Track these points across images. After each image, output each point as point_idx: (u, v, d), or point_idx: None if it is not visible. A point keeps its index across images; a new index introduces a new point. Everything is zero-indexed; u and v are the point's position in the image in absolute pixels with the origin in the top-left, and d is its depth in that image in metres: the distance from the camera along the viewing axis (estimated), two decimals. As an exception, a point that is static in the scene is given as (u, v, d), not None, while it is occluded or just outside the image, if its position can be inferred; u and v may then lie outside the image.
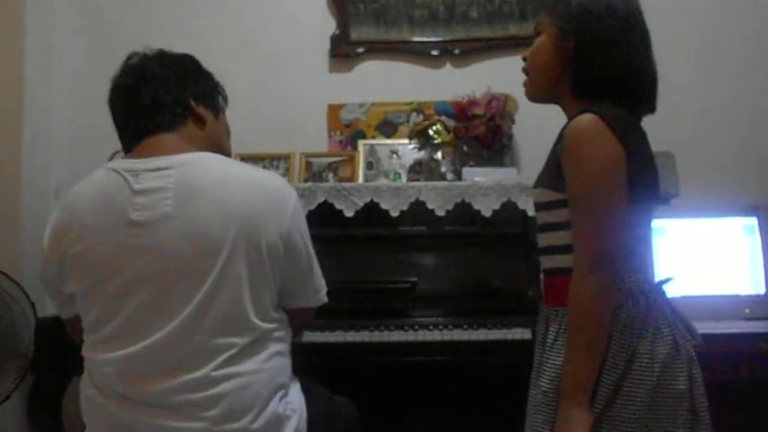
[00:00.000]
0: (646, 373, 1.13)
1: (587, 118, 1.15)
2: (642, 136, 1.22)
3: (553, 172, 1.20)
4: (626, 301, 1.15)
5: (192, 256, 1.19)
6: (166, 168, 1.22)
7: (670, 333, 1.16)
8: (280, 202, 1.28)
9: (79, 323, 1.28)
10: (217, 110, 1.41)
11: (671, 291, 1.25)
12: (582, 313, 1.12)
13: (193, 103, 1.33)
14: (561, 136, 1.20)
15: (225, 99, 1.45)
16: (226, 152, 1.40)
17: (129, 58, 1.37)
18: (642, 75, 1.21)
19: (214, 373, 1.18)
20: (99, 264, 1.21)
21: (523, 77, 1.33)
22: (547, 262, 1.26)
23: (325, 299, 1.41)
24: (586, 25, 1.20)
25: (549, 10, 1.27)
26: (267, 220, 1.24)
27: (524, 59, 1.31)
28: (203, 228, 1.19)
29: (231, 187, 1.23)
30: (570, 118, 1.23)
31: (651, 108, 1.25)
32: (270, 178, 1.33)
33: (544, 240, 1.26)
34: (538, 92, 1.30)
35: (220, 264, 1.19)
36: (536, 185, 1.28)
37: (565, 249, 1.19)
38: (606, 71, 1.19)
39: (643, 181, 1.18)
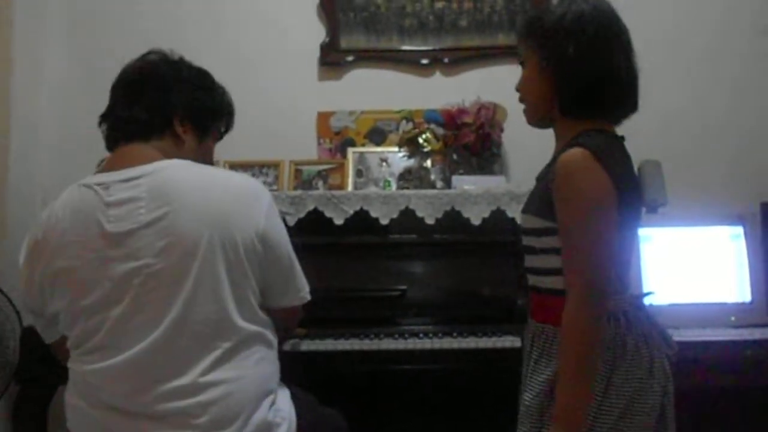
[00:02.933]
0: (624, 390, 1.17)
1: (576, 153, 1.18)
2: (625, 159, 1.26)
3: (544, 201, 1.23)
4: (608, 323, 1.19)
5: (169, 263, 1.19)
6: (136, 177, 1.23)
7: (647, 351, 1.20)
8: (253, 201, 1.28)
9: (64, 345, 1.28)
10: (204, 134, 1.39)
11: (656, 301, 1.29)
12: (576, 342, 1.15)
13: (175, 121, 1.32)
14: (550, 169, 1.24)
15: (226, 129, 1.44)
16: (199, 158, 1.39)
17: (147, 53, 1.38)
18: (623, 80, 1.23)
19: (201, 379, 1.18)
20: (78, 279, 1.21)
21: (513, 86, 1.35)
22: (534, 281, 1.29)
23: (308, 297, 1.41)
24: (563, 42, 1.22)
25: (525, 37, 1.30)
26: (241, 220, 1.24)
27: (517, 90, 1.34)
28: (178, 234, 1.19)
29: (203, 191, 1.24)
30: (559, 140, 1.27)
31: (633, 108, 1.28)
32: (241, 180, 1.35)
33: (530, 261, 1.29)
34: (537, 121, 1.33)
35: (196, 268, 1.19)
36: (525, 211, 1.31)
37: (552, 272, 1.23)
38: (589, 87, 1.21)
39: (629, 206, 1.21)
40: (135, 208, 1.20)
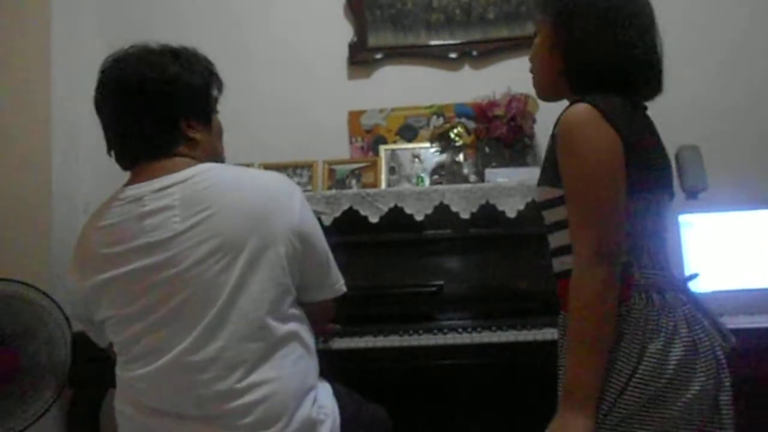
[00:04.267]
0: (655, 375, 1.07)
1: (578, 107, 1.12)
2: (643, 123, 1.18)
3: (551, 168, 1.16)
4: (638, 298, 1.10)
5: (207, 268, 1.20)
6: (168, 186, 1.24)
7: (688, 334, 1.09)
8: (286, 198, 1.29)
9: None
10: (209, 119, 1.36)
11: (701, 287, 1.20)
12: (582, 310, 1.06)
13: (183, 126, 1.30)
14: (554, 129, 1.17)
15: (219, 89, 1.38)
16: (220, 156, 1.40)
17: (122, 57, 1.30)
18: (638, 60, 1.16)
19: (239, 385, 1.19)
20: (119, 290, 1.24)
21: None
22: (557, 265, 1.21)
23: (344, 289, 1.42)
24: (574, 16, 1.18)
25: (541, 9, 1.27)
26: (278, 218, 1.25)
27: (530, 60, 1.31)
28: (217, 238, 1.20)
29: (237, 192, 1.24)
30: None
31: (655, 91, 1.21)
32: (271, 177, 1.34)
33: (552, 241, 1.21)
34: (543, 91, 1.29)
35: (237, 271, 1.20)
36: (538, 183, 1.24)
37: (568, 249, 1.14)
38: (598, 60, 1.16)
39: (646, 168, 1.13)
40: (169, 217, 1.22)
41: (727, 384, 1.12)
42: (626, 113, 1.13)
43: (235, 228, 1.21)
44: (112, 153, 1.33)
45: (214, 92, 1.37)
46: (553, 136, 1.17)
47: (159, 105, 1.28)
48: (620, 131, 1.09)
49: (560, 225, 1.16)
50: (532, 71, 1.30)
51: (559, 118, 1.16)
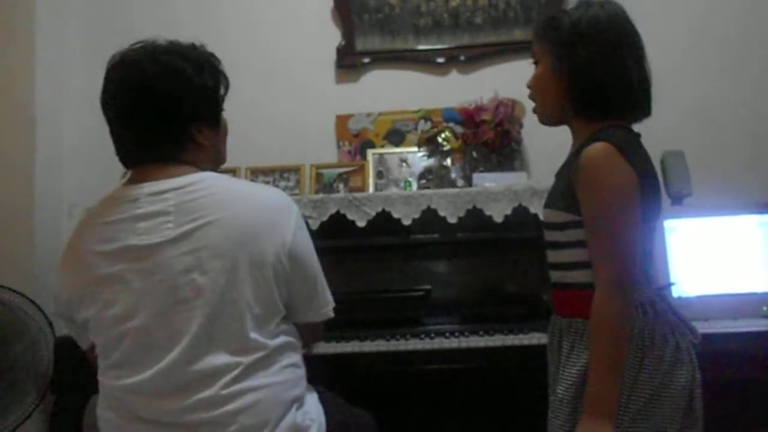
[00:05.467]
0: (654, 375, 1.21)
1: (600, 147, 1.21)
2: (645, 154, 1.27)
3: (567, 195, 1.25)
4: (637, 312, 1.22)
5: (194, 277, 1.18)
6: (165, 191, 1.22)
7: (674, 340, 1.23)
8: (281, 217, 1.27)
9: (95, 351, 1.30)
10: (219, 120, 1.35)
11: (685, 292, 1.29)
12: (607, 332, 1.18)
13: (193, 130, 1.28)
14: (573, 161, 1.26)
15: (226, 87, 1.35)
16: (222, 157, 1.38)
17: (132, 57, 1.26)
18: (635, 85, 1.26)
19: (224, 392, 1.18)
20: (105, 290, 1.22)
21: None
22: (558, 277, 1.31)
23: (331, 315, 1.38)
24: (577, 46, 1.26)
25: (540, 37, 1.33)
26: (269, 237, 1.23)
27: (528, 87, 1.37)
28: (204, 251, 1.19)
29: (231, 207, 1.22)
30: (576, 137, 1.31)
31: (646, 112, 1.31)
32: (270, 194, 1.32)
33: (554, 257, 1.32)
34: (548, 117, 1.36)
35: (221, 285, 1.19)
36: (547, 206, 1.34)
37: (576, 266, 1.26)
38: (600, 85, 1.25)
39: (651, 200, 1.24)
40: (162, 222, 1.20)
41: (699, 379, 1.25)
42: (636, 147, 1.25)
43: (225, 242, 1.20)
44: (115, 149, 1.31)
45: (222, 91, 1.34)
46: (570, 166, 1.26)
47: (170, 111, 1.25)
48: (635, 166, 1.20)
49: (567, 245, 1.27)
50: (532, 98, 1.38)
51: (577, 152, 1.25)
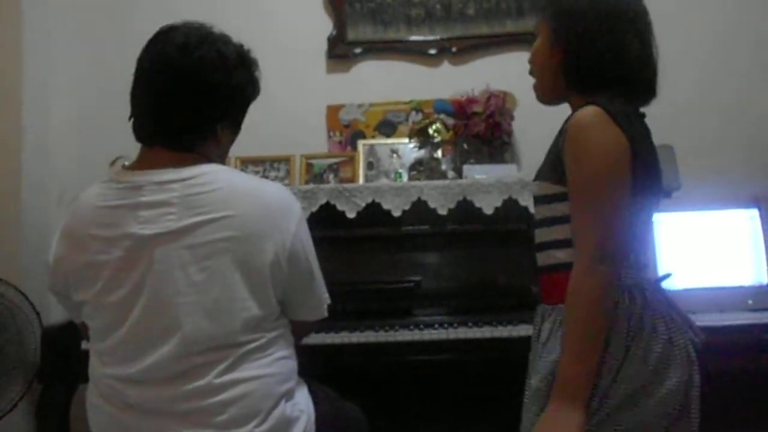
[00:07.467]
0: (638, 372, 1.11)
1: (590, 110, 1.14)
2: (645, 129, 1.21)
3: (554, 165, 1.19)
4: (623, 298, 1.13)
5: (192, 272, 1.18)
6: (171, 182, 1.21)
7: (665, 331, 1.14)
8: (283, 219, 1.26)
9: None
10: (239, 126, 1.37)
11: (672, 285, 1.25)
12: (582, 308, 1.09)
13: (219, 127, 1.29)
14: (563, 129, 1.20)
15: (255, 97, 1.38)
16: (227, 150, 1.39)
17: (185, 43, 1.25)
18: (636, 63, 1.20)
19: (216, 381, 1.18)
20: (102, 276, 1.21)
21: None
22: (544, 258, 1.23)
23: (325, 314, 1.39)
24: (573, 19, 1.20)
25: (541, 11, 1.29)
26: (271, 239, 1.23)
27: (529, 63, 1.32)
28: (204, 245, 1.19)
29: (235, 205, 1.21)
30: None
31: (651, 95, 1.24)
32: (274, 193, 1.30)
33: (541, 235, 1.24)
34: (545, 94, 1.30)
35: (218, 282, 1.18)
36: (536, 178, 1.27)
37: (563, 243, 1.17)
38: (597, 57, 1.18)
39: (645, 174, 1.16)
40: (165, 213, 1.19)
41: (697, 380, 1.16)
42: (632, 117, 1.17)
43: (226, 241, 1.19)
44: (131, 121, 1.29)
45: (253, 99, 1.37)
46: (560, 135, 1.19)
47: (208, 101, 1.26)
48: (627, 133, 1.12)
49: (555, 220, 1.19)
50: (532, 73, 1.31)
51: (568, 118, 1.18)
